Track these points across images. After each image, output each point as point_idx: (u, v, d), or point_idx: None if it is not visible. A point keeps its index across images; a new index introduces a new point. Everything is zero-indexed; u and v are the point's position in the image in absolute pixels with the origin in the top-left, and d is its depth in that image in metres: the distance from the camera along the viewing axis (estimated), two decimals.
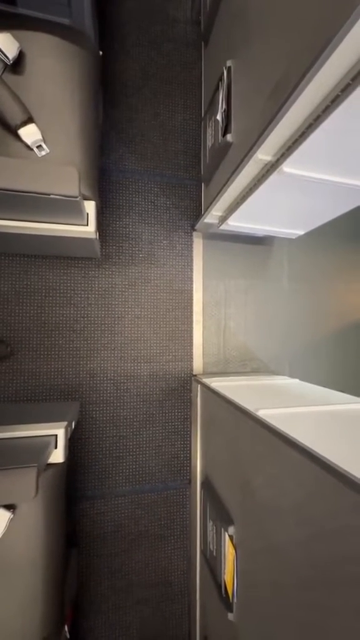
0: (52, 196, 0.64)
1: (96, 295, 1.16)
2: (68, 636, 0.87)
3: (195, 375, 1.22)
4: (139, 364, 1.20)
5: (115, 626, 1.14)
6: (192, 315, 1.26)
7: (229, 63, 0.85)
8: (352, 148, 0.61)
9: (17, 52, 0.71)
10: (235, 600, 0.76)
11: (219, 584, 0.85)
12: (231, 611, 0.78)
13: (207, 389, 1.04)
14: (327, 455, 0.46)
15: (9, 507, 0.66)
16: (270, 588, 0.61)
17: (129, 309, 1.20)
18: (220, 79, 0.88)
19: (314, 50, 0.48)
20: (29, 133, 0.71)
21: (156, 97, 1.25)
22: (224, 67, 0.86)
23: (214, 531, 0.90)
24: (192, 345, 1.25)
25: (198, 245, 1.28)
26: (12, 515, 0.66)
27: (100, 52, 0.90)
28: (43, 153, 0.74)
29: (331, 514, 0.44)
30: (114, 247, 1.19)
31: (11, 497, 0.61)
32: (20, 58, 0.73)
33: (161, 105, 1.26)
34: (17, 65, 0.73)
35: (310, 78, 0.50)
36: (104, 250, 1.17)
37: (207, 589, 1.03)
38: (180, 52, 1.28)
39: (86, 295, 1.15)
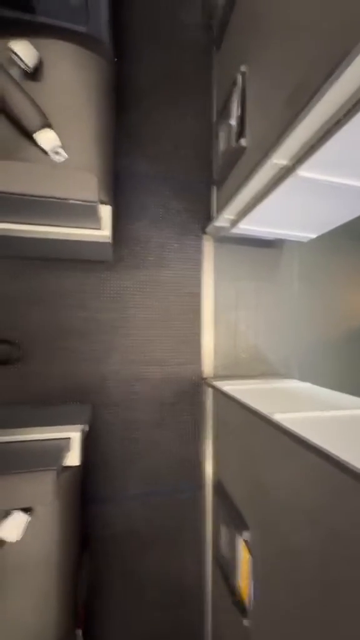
0: (71, 201, 0.64)
1: (107, 298, 1.17)
2: (82, 639, 0.87)
3: (206, 379, 1.22)
4: (150, 367, 1.20)
5: (127, 630, 1.13)
6: (202, 318, 1.26)
7: (243, 68, 0.85)
8: None
9: (37, 60, 0.73)
10: (250, 606, 0.76)
11: (232, 589, 0.85)
12: (246, 617, 0.77)
13: (219, 392, 1.04)
14: (349, 459, 0.46)
15: (26, 509, 0.67)
16: (287, 593, 0.60)
17: (140, 312, 1.20)
18: (234, 83, 0.89)
19: (336, 55, 0.48)
20: (48, 139, 0.72)
21: (167, 102, 1.26)
22: (238, 72, 0.86)
23: (228, 536, 0.89)
24: (202, 348, 1.25)
25: (208, 248, 1.29)
26: (30, 519, 0.66)
27: (116, 59, 0.91)
28: (61, 159, 0.75)
29: (350, 516, 0.44)
30: (126, 250, 1.19)
31: (30, 501, 0.61)
32: (39, 66, 0.74)
33: (172, 110, 1.27)
34: (35, 72, 0.75)
35: (331, 83, 0.50)
36: (115, 253, 1.18)
37: (219, 594, 1.02)
38: (192, 57, 1.29)
39: (97, 298, 1.16)
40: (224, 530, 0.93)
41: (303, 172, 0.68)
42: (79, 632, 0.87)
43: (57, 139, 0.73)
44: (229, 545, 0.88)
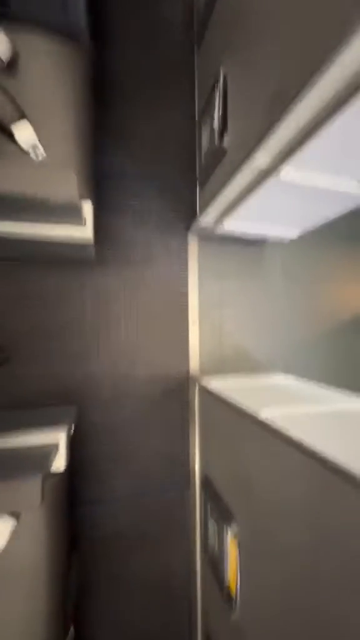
0: (50, 200, 0.63)
1: (91, 299, 1.15)
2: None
3: (193, 377, 1.23)
4: (135, 367, 1.20)
5: (117, 627, 1.14)
6: (188, 317, 1.27)
7: (224, 67, 0.85)
8: (352, 152, 0.62)
9: (11, 53, 0.70)
10: (238, 599, 0.78)
11: (221, 584, 0.87)
12: (235, 610, 0.79)
13: (205, 390, 1.05)
14: (332, 455, 0.48)
15: (13, 515, 0.65)
16: (274, 587, 0.62)
17: (125, 312, 1.19)
18: (216, 82, 0.89)
19: (316, 58, 0.49)
20: (24, 135, 0.70)
21: (149, 99, 1.25)
22: (219, 73, 0.86)
23: (216, 530, 0.91)
24: (188, 347, 1.26)
25: (193, 247, 1.29)
26: (16, 524, 0.65)
27: (94, 51, 0.89)
28: (40, 157, 0.72)
29: (337, 514, 0.46)
30: (109, 250, 1.18)
31: (16, 506, 0.60)
32: (13, 57, 0.71)
33: (154, 107, 1.25)
34: (9, 66, 0.72)
35: (310, 87, 0.51)
36: (99, 253, 1.16)
37: (208, 589, 1.04)
38: (173, 53, 1.28)
39: (81, 299, 1.14)
40: (211, 526, 0.95)
41: (285, 174, 0.69)
42: (71, 633, 0.87)
43: (34, 135, 0.71)
44: (217, 540, 0.90)
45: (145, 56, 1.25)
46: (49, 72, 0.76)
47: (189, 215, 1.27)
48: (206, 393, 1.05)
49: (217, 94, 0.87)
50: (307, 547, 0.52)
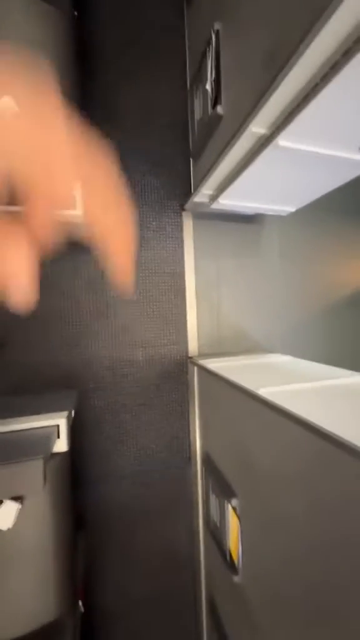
0: None
1: (86, 282, 1.13)
2: (82, 610, 0.91)
3: (191, 357, 1.23)
4: (134, 349, 1.19)
5: (125, 596, 1.20)
6: (185, 297, 1.25)
7: (217, 26, 0.79)
8: (352, 118, 0.59)
9: None
10: (240, 564, 0.81)
11: (223, 552, 0.90)
12: (236, 574, 0.83)
13: (204, 370, 1.05)
14: (329, 428, 0.48)
15: (17, 498, 0.66)
16: (274, 552, 0.65)
17: (121, 295, 1.17)
18: (208, 44, 0.83)
19: (312, 12, 0.45)
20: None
21: (136, 67, 1.17)
22: (211, 31, 0.80)
23: (217, 504, 0.94)
24: (186, 328, 1.25)
25: (188, 225, 1.25)
26: (21, 506, 0.66)
27: (76, 13, 0.82)
28: None
29: (333, 483, 0.46)
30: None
31: (20, 490, 0.61)
32: None
33: (142, 76, 1.17)
34: None
35: (307, 43, 0.47)
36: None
37: (211, 557, 1.09)
38: (161, 15, 1.18)
39: (76, 282, 1.12)
40: (213, 499, 0.98)
41: (284, 141, 0.66)
42: (79, 604, 0.91)
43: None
44: (218, 512, 0.93)
45: (130, 18, 1.15)
46: (27, 33, 0.70)
47: (184, 191, 1.23)
48: (205, 373, 1.05)
49: (210, 55, 0.81)
50: (306, 515, 0.53)
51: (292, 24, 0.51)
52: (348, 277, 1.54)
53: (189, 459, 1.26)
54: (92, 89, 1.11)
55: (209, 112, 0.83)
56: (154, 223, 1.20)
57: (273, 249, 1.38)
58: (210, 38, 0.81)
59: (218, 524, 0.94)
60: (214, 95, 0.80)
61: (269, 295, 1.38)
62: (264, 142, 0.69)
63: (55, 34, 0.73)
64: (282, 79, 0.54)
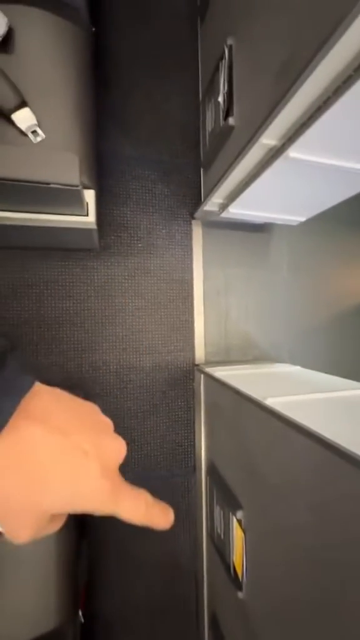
0: (51, 185, 0.61)
1: (95, 287, 1.14)
2: (82, 620, 0.90)
3: (198, 365, 1.23)
4: (141, 355, 1.19)
5: (127, 606, 1.18)
6: (193, 305, 1.25)
7: (229, 41, 0.81)
8: None
9: (6, 28, 0.67)
10: (245, 579, 0.79)
11: (227, 565, 0.88)
12: (241, 590, 0.81)
13: (211, 378, 1.05)
14: (338, 441, 0.47)
15: None
16: (280, 568, 0.63)
17: (129, 300, 1.18)
18: (221, 58, 0.84)
19: (325, 28, 0.46)
20: (23, 117, 0.67)
21: (150, 78, 1.20)
22: (224, 45, 0.82)
23: (222, 515, 0.92)
24: (193, 335, 1.25)
25: (197, 233, 1.26)
26: None
27: (94, 29, 0.85)
28: (38, 139, 0.70)
29: (342, 498, 0.45)
30: (112, 237, 1.16)
31: None
32: (9, 35, 0.68)
33: (156, 86, 1.21)
34: (5, 42, 0.69)
35: (320, 59, 0.48)
36: (102, 240, 1.14)
37: (215, 570, 1.06)
38: (175, 28, 1.22)
39: (85, 288, 1.13)
40: (217, 510, 0.96)
41: (294, 153, 0.66)
42: (80, 614, 0.90)
43: (34, 117, 0.68)
44: (222, 524, 0.91)
45: (146, 32, 1.19)
46: (47, 50, 0.73)
47: (193, 200, 1.24)
48: (212, 381, 1.04)
49: (223, 68, 0.83)
50: (312, 530, 0.52)
51: (304, 41, 0.52)
52: (356, 287, 1.53)
53: (194, 467, 1.24)
54: (107, 98, 1.14)
55: (221, 124, 0.85)
56: (163, 231, 1.22)
57: (282, 258, 1.38)
58: (224, 52, 0.83)
59: (222, 536, 0.92)
60: (226, 107, 0.82)
61: (277, 304, 1.37)
62: (275, 153, 0.70)
63: (74, 49, 0.76)
64: (294, 93, 0.55)
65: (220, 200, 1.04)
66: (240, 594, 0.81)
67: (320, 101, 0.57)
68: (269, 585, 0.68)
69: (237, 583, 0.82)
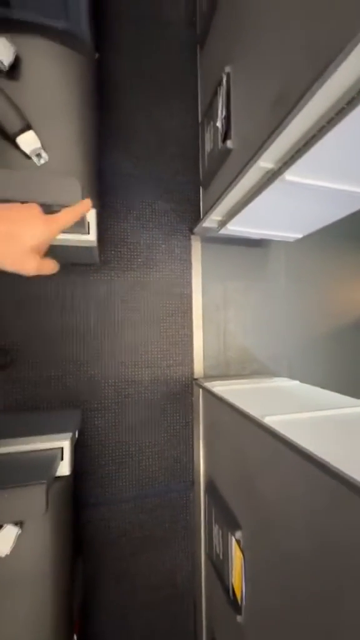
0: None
1: (95, 301, 1.15)
2: None
3: (197, 379, 1.23)
4: (140, 369, 1.20)
5: (122, 629, 1.14)
6: (192, 319, 1.26)
7: (227, 69, 0.84)
8: (357, 156, 0.61)
9: (13, 57, 0.69)
10: (244, 603, 0.77)
11: (226, 587, 0.86)
12: (240, 613, 0.79)
13: (210, 393, 1.04)
14: (340, 467, 0.47)
15: (17, 522, 0.65)
16: (279, 593, 0.62)
17: (129, 314, 1.19)
18: (219, 84, 0.88)
19: (318, 64, 0.48)
20: (28, 141, 0.70)
21: (151, 100, 1.24)
22: (222, 73, 0.85)
23: (220, 535, 0.91)
24: (192, 349, 1.26)
25: (196, 248, 1.28)
26: (20, 531, 0.65)
27: (97, 55, 0.88)
28: (42, 161, 0.72)
29: (344, 526, 0.45)
30: (113, 252, 1.18)
31: (21, 515, 0.60)
32: (16, 63, 0.71)
33: (156, 108, 1.25)
34: (12, 70, 0.71)
35: (314, 92, 0.50)
36: (102, 255, 1.16)
37: (213, 592, 1.04)
38: (175, 54, 1.27)
39: (85, 301, 1.14)
40: (216, 530, 0.94)
41: (290, 176, 0.68)
42: (75, 638, 0.87)
43: (38, 140, 0.70)
44: (221, 544, 0.89)
45: (147, 57, 1.24)
46: (52, 77, 0.75)
47: (193, 216, 1.27)
48: (210, 396, 1.04)
49: (221, 94, 0.86)
50: (312, 556, 0.51)
51: (299, 74, 0.55)
52: (354, 300, 1.54)
53: (192, 484, 1.23)
54: (109, 119, 1.18)
55: (219, 146, 0.87)
56: (163, 245, 1.24)
57: (280, 272, 1.40)
58: (222, 79, 0.86)
59: (221, 556, 0.90)
60: (224, 130, 0.84)
61: (276, 318, 1.38)
62: (272, 176, 0.72)
63: (78, 76, 0.79)
64: (289, 122, 0.57)
65: (219, 218, 1.06)
66: (239, 618, 0.79)
67: (315, 129, 0.59)
68: (269, 611, 0.66)
69: (236, 606, 0.80)
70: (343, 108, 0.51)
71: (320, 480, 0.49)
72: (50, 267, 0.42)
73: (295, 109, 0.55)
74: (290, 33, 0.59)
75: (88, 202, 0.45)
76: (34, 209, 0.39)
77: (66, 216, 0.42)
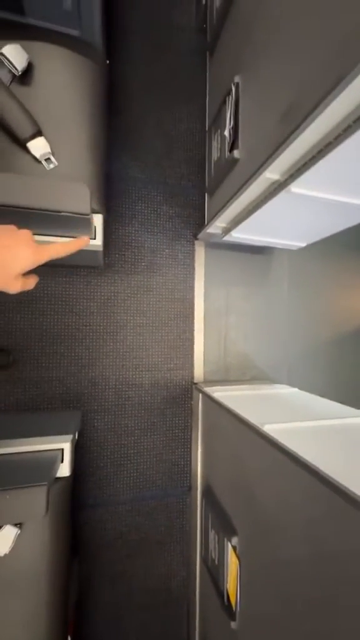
0: (63, 214, 0.63)
1: (98, 304, 1.16)
2: None
3: (197, 384, 1.23)
4: (140, 372, 1.20)
5: (116, 631, 1.15)
6: (193, 323, 1.27)
7: (237, 78, 0.85)
8: None
9: (26, 63, 0.70)
10: (238, 609, 0.78)
11: (221, 593, 0.87)
12: (234, 620, 0.79)
13: (209, 398, 1.05)
14: (337, 477, 0.48)
15: (16, 523, 0.66)
16: (275, 600, 0.62)
17: (131, 318, 1.20)
18: (228, 93, 0.89)
19: (330, 78, 0.49)
20: (38, 146, 0.70)
21: (159, 105, 1.25)
22: (231, 82, 0.86)
23: (216, 540, 0.91)
24: (193, 354, 1.26)
25: (200, 254, 1.29)
26: (19, 532, 0.66)
27: (108, 62, 0.89)
28: (51, 166, 0.73)
29: (340, 536, 0.46)
30: (117, 255, 1.18)
31: (21, 516, 0.61)
32: (28, 69, 0.72)
33: (164, 114, 1.26)
34: (25, 76, 0.72)
35: (323, 108, 0.51)
36: (106, 258, 1.17)
37: (207, 596, 1.04)
38: (185, 60, 1.28)
39: (88, 304, 1.15)
40: (212, 535, 0.95)
41: (296, 188, 0.69)
42: (68, 638, 0.87)
43: (48, 145, 0.71)
44: (217, 549, 0.90)
45: (157, 62, 1.25)
46: (63, 84, 0.76)
47: (197, 222, 1.27)
48: (210, 401, 1.05)
49: (229, 103, 0.87)
50: (308, 565, 0.52)
51: (310, 87, 0.56)
52: (356, 309, 1.55)
53: (189, 488, 1.23)
54: (118, 124, 1.19)
55: (226, 155, 0.88)
56: (166, 250, 1.24)
57: (282, 280, 1.41)
58: (231, 89, 0.87)
59: (216, 562, 0.91)
60: (231, 140, 0.85)
61: (277, 324, 1.39)
62: (277, 187, 0.73)
63: (89, 82, 0.80)
64: (298, 135, 0.58)
65: (224, 225, 1.07)
66: (233, 624, 0.79)
67: (322, 144, 0.60)
68: (263, 619, 0.67)
69: (230, 612, 0.81)
70: (350, 125, 0.52)
71: (318, 490, 0.50)
72: (32, 283, 0.44)
73: (305, 123, 0.55)
74: (302, 45, 0.59)
75: (87, 240, 0.48)
76: (26, 236, 0.40)
77: (57, 248, 0.43)
